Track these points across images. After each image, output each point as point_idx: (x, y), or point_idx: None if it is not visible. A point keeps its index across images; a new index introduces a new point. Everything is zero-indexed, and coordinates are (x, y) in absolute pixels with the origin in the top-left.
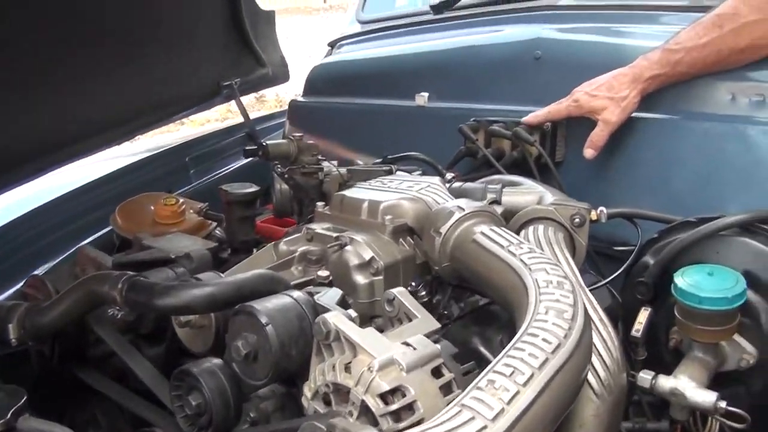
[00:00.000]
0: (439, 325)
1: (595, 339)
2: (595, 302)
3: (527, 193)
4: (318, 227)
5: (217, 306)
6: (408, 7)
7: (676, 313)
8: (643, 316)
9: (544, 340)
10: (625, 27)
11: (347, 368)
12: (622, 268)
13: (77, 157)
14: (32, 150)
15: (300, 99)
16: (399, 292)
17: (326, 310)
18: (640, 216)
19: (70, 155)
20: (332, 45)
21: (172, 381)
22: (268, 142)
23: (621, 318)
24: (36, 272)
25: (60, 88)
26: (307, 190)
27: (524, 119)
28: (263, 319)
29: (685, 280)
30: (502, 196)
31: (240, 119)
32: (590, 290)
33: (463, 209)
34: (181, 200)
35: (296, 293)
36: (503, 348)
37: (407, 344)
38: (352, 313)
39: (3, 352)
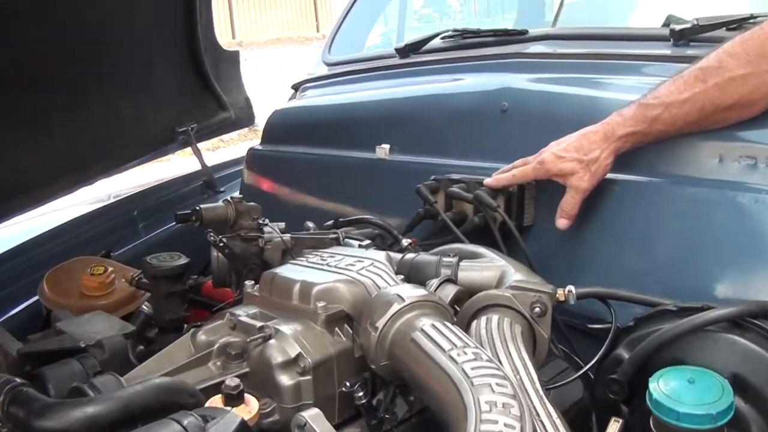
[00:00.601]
0: None
1: None
2: (558, 421)
3: (487, 268)
4: (243, 313)
5: (99, 429)
6: (377, 49)
7: (651, 424)
8: (613, 429)
9: None
10: (602, 77)
11: None
12: (592, 362)
13: (15, 212)
14: None
15: (258, 147)
16: (312, 416)
17: None
18: (614, 297)
19: (8, 210)
20: (296, 88)
21: None
22: (203, 206)
23: (594, 414)
24: None
25: None
26: (246, 258)
27: (486, 182)
28: None
29: (661, 388)
30: (459, 271)
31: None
32: (559, 386)
33: (403, 299)
34: (110, 269)
35: (187, 419)
36: None
37: None
38: None
39: None
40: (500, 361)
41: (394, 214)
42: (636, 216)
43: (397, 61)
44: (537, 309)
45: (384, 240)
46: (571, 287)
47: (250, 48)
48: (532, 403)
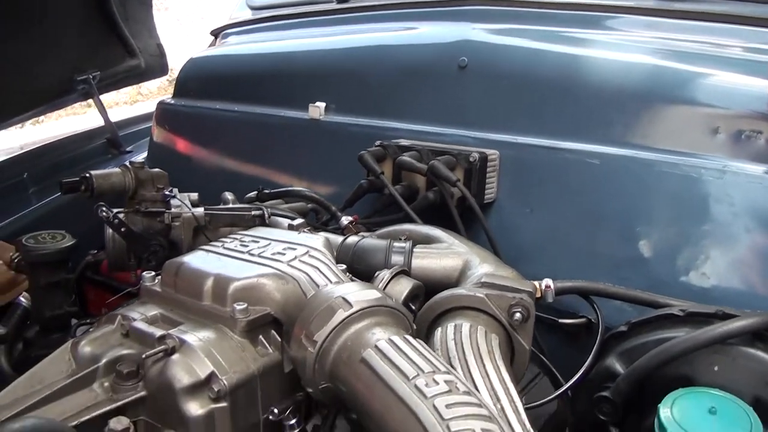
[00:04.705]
0: None
1: None
2: None
3: (446, 255)
4: (139, 315)
5: None
6: None
7: None
8: None
9: None
10: (576, 32)
11: None
12: (577, 375)
13: None
14: None
15: (170, 101)
16: None
17: None
18: (600, 293)
19: None
20: (216, 34)
21: None
22: (94, 172)
23: (571, 427)
24: None
25: None
26: (149, 237)
27: None
28: None
29: (675, 418)
30: (413, 258)
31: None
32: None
33: (350, 304)
34: None
35: None
36: None
37: None
38: None
39: None
40: (475, 384)
41: (331, 184)
42: (619, 195)
43: (334, 5)
44: (517, 315)
45: (318, 216)
46: (548, 281)
47: None
48: None
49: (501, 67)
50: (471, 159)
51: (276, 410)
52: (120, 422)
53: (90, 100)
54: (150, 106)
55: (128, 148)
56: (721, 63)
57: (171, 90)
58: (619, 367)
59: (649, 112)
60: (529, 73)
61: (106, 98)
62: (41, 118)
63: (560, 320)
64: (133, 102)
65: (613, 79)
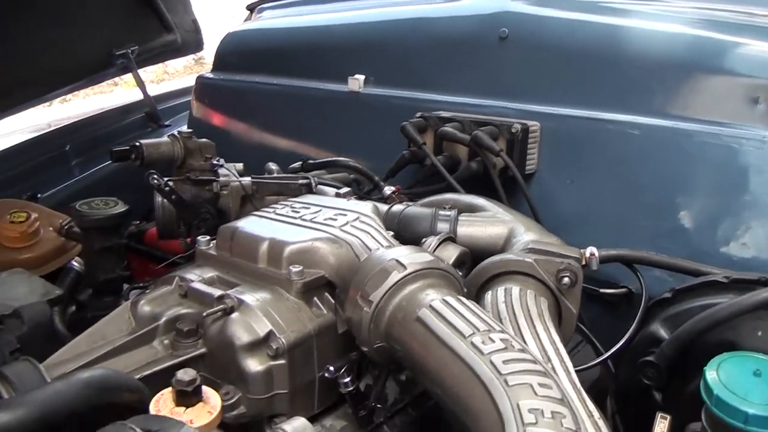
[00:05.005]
0: None
1: None
2: (600, 422)
3: (491, 223)
4: (196, 277)
5: None
6: None
7: (704, 422)
8: (661, 429)
9: None
10: (617, 2)
11: None
12: (623, 341)
13: None
14: None
15: (209, 75)
16: (297, 429)
17: None
18: (643, 261)
19: None
20: (251, 8)
21: None
22: (144, 141)
23: (612, 394)
24: None
25: None
26: (198, 206)
27: None
28: None
29: (721, 381)
30: (458, 226)
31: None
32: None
33: (404, 266)
34: (35, 215)
35: None
36: None
37: None
38: None
39: None
40: (526, 344)
41: (370, 156)
42: (659, 166)
43: None
44: (565, 279)
45: (360, 187)
46: (593, 249)
47: None
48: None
49: (541, 38)
50: (513, 130)
51: (332, 368)
52: (187, 373)
53: (119, 78)
54: (176, 85)
55: (166, 122)
56: (762, 33)
57: (197, 69)
58: (663, 333)
59: (689, 82)
60: (570, 44)
61: (130, 78)
62: (68, 96)
63: (601, 290)
64: (159, 81)
65: (654, 49)
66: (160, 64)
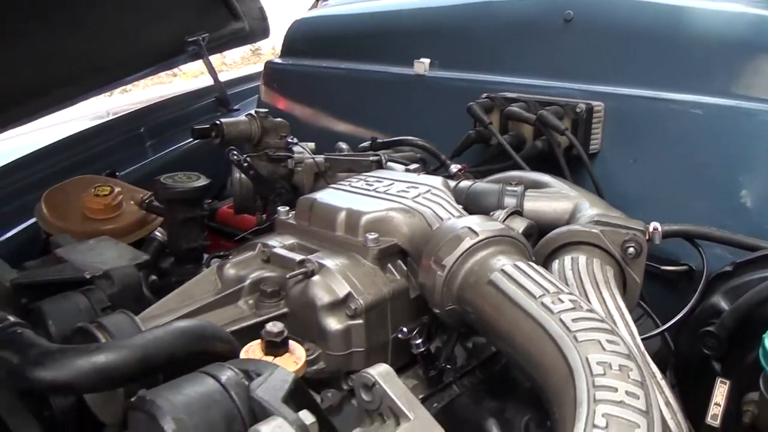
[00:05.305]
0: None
1: None
2: (660, 378)
3: (557, 198)
4: (278, 244)
5: (112, 383)
6: None
7: (761, 388)
8: (721, 393)
9: None
10: None
11: None
12: (684, 312)
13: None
14: None
15: (277, 60)
16: (381, 374)
17: (266, 411)
18: (706, 236)
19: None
20: None
21: None
22: (224, 120)
23: (672, 367)
24: None
25: None
26: (273, 181)
27: None
28: (168, 427)
29: None
30: (525, 201)
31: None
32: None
33: (476, 233)
34: (117, 189)
35: (226, 374)
36: None
37: None
38: (308, 417)
39: None
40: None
41: (434, 138)
42: (721, 145)
43: None
44: (631, 249)
45: (426, 166)
46: (656, 224)
47: None
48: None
49: (606, 20)
50: (578, 110)
51: (405, 329)
52: (276, 325)
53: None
54: (234, 75)
55: (235, 107)
56: None
57: (254, 60)
58: (724, 305)
59: (751, 62)
60: (633, 25)
61: (191, 68)
62: (128, 86)
63: (662, 267)
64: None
65: (717, 29)
66: (218, 55)
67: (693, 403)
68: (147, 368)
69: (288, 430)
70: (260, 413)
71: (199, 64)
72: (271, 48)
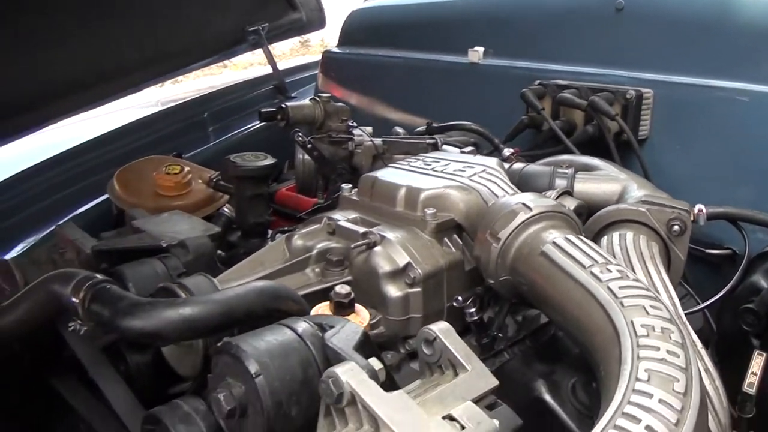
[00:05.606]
0: (496, 383)
1: None
2: (701, 347)
3: (606, 180)
4: (342, 218)
5: (196, 333)
6: None
7: None
8: (758, 364)
9: (649, 429)
10: None
11: None
12: (725, 290)
13: (76, 110)
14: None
15: (335, 50)
16: (442, 330)
17: (339, 357)
18: (749, 219)
19: (69, 108)
20: None
21: (143, 424)
22: (289, 104)
23: (713, 345)
24: (8, 254)
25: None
26: (334, 163)
27: None
28: (252, 368)
29: None
30: (576, 183)
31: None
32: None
33: (530, 208)
34: (187, 168)
35: (302, 326)
36: (576, 399)
37: (452, 419)
38: (376, 363)
39: None
40: None
41: (487, 124)
42: (766, 132)
43: None
44: (675, 227)
45: (480, 149)
46: (701, 206)
47: None
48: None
49: (656, 9)
50: (628, 96)
51: (459, 298)
52: (344, 288)
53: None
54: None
55: (293, 94)
56: None
57: (303, 52)
58: (764, 283)
59: None
60: (683, 14)
61: (240, 60)
62: (180, 78)
63: (706, 250)
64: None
65: (764, 17)
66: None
67: (732, 377)
68: (228, 322)
69: (360, 372)
70: (334, 359)
71: (248, 56)
72: (320, 41)
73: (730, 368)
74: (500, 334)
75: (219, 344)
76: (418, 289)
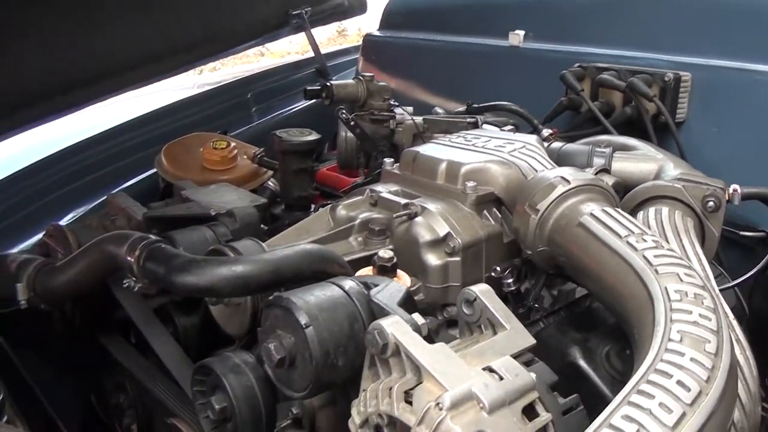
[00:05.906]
0: (533, 341)
1: None
2: (732, 319)
3: (643, 160)
4: (384, 190)
5: (248, 290)
6: None
7: None
8: None
9: (680, 383)
10: None
11: (408, 397)
12: (757, 267)
13: (124, 89)
14: (78, 79)
15: (376, 33)
16: (482, 291)
17: (384, 312)
18: None
19: (118, 86)
20: None
21: (194, 375)
22: (333, 82)
23: (745, 324)
24: (62, 221)
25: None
26: (376, 140)
27: None
28: (303, 319)
29: None
30: (613, 161)
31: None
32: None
33: (568, 181)
34: (233, 144)
35: (348, 283)
36: (609, 365)
37: (491, 370)
38: (419, 319)
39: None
40: None
41: (527, 107)
42: None
43: None
44: (710, 203)
45: (519, 130)
46: (735, 186)
47: None
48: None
49: None
50: (666, 78)
51: (498, 268)
52: (386, 252)
53: (264, 47)
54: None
55: (334, 78)
56: None
57: (338, 41)
58: None
59: None
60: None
61: (278, 49)
62: (217, 64)
63: (740, 233)
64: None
65: None
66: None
67: (763, 357)
68: (277, 280)
69: (404, 325)
70: (379, 314)
71: (285, 46)
72: (357, 30)
73: (761, 348)
74: (536, 305)
75: (270, 298)
76: (458, 259)
